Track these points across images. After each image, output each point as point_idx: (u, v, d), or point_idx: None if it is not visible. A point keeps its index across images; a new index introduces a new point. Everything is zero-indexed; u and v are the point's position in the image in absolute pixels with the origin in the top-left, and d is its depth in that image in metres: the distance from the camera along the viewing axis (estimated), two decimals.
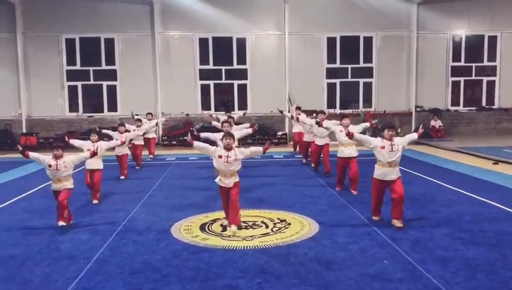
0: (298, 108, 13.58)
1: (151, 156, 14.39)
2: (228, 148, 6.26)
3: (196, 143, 6.52)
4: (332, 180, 9.55)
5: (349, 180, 8.73)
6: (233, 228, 6.28)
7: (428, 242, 5.71)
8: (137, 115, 13.52)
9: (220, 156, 6.23)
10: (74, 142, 8.38)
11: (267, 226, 6.52)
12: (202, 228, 6.50)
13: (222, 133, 7.87)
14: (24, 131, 18.26)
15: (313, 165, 11.57)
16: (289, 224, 6.65)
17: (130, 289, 4.46)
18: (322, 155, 10.85)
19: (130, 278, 4.71)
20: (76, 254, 5.47)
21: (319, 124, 9.44)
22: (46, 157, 6.65)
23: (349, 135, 6.88)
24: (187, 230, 6.40)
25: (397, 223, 6.32)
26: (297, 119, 12.24)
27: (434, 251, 5.37)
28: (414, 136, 6.97)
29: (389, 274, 4.73)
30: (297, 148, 14.48)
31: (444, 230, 6.21)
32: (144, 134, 12.58)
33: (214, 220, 6.83)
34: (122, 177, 10.91)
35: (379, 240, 5.85)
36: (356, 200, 8.02)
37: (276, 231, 6.32)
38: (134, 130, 11.71)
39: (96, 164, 8.26)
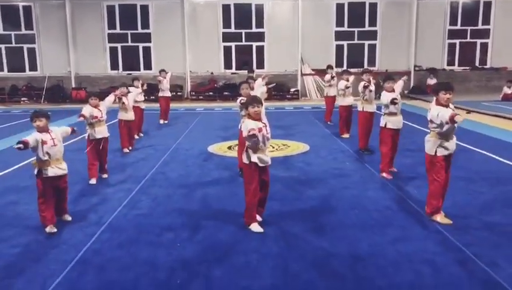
0: (330, 67, 12.42)
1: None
2: (259, 118, 4.85)
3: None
4: (334, 127, 12.36)
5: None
6: (259, 219, 5.16)
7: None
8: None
9: (261, 130, 4.76)
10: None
11: (273, 147, 9.41)
12: (229, 147, 9.45)
13: (241, 99, 6.30)
14: (73, 86, 21.38)
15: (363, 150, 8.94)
16: (289, 146, 9.54)
17: (187, 171, 7.51)
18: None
19: (185, 167, 7.77)
20: (148, 159, 8.53)
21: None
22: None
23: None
24: (218, 148, 9.37)
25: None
26: (344, 94, 10.49)
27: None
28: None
29: (346, 169, 7.62)
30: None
31: (408, 156, 8.07)
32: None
33: (237, 144, 9.69)
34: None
35: (349, 155, 8.69)
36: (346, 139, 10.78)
37: (280, 150, 9.22)
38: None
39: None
